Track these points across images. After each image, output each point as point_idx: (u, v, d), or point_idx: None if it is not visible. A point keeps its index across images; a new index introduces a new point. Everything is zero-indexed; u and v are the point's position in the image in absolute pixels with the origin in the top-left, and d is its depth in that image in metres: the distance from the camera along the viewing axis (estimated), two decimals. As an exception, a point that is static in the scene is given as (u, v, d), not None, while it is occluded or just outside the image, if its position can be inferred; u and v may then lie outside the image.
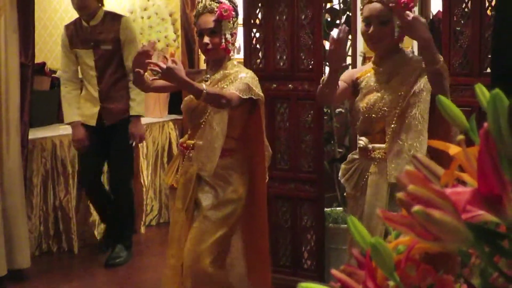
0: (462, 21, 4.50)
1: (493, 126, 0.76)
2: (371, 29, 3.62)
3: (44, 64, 6.99)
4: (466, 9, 4.48)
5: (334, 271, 0.99)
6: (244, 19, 5.29)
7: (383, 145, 3.68)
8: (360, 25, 4.73)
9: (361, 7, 3.72)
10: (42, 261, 6.17)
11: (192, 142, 4.14)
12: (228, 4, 4.09)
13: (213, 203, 4.11)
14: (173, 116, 7.59)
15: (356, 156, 3.81)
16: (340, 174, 3.91)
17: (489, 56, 4.35)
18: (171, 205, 4.52)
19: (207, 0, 4.13)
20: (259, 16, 5.25)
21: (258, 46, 5.26)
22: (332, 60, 3.48)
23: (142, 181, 7.05)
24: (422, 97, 3.60)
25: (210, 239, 4.07)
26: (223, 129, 4.01)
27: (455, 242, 0.75)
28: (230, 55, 4.17)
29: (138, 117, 6.01)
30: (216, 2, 4.09)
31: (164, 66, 3.65)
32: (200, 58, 7.11)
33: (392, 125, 3.66)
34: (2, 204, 5.32)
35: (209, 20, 4.07)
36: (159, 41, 7.41)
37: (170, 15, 7.57)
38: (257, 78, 4.10)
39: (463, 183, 0.92)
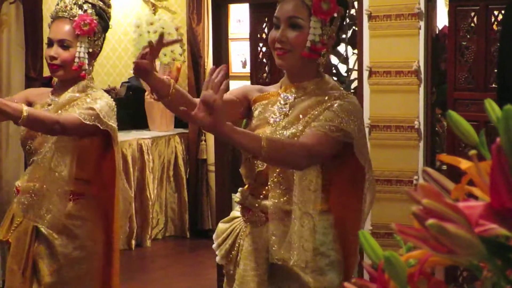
0: (468, 36, 4.51)
1: (505, 142, 0.77)
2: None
3: (51, 78, 7.01)
4: (472, 24, 4.49)
5: (346, 284, 1.00)
6: (250, 33, 5.32)
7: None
8: (367, 39, 4.76)
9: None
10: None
11: (31, 184, 3.32)
12: (92, 16, 3.35)
13: (53, 267, 3.32)
14: (179, 130, 7.62)
15: (237, 213, 2.87)
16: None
17: (495, 70, 4.37)
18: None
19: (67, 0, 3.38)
20: (266, 30, 5.27)
21: (264, 60, 5.27)
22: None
23: (148, 194, 7.06)
24: None
25: None
26: (69, 170, 3.26)
27: (469, 256, 0.76)
28: (86, 77, 3.39)
29: None
30: (79, 7, 3.35)
31: None
32: (207, 72, 7.13)
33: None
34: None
35: (62, 29, 3.32)
36: (165, 55, 7.44)
37: (176, 29, 7.60)
38: (115, 109, 3.36)
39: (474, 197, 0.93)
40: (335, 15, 2.69)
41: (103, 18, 3.41)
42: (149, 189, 7.09)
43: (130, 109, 7.85)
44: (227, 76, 2.36)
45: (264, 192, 2.73)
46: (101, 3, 3.42)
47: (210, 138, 7.10)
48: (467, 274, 4.49)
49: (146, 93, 7.69)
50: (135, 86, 7.95)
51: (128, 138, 7.06)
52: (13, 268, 3.35)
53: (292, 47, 2.65)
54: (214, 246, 2.90)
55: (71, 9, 3.32)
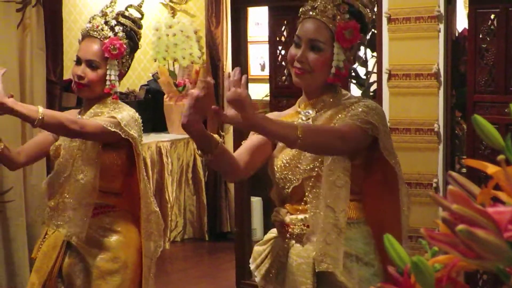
0: (488, 39, 4.49)
1: (533, 146, 0.77)
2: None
3: (70, 81, 7.03)
4: (492, 27, 4.47)
5: (372, 288, 1.00)
6: (269, 37, 5.32)
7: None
8: (386, 42, 4.75)
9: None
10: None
11: (60, 200, 3.30)
12: (122, 39, 3.32)
13: (86, 280, 3.28)
14: (198, 133, 7.63)
15: (273, 234, 2.84)
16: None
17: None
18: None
19: (99, 19, 3.38)
20: (285, 33, 5.27)
21: (283, 63, 5.27)
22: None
23: (167, 197, 7.08)
24: None
25: None
26: (91, 180, 3.22)
27: (497, 261, 0.76)
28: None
29: None
30: (111, 29, 3.33)
31: None
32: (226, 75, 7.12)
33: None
34: (26, 220, 5.35)
35: (92, 49, 3.32)
36: (184, 58, 7.45)
37: (195, 32, 7.62)
38: (139, 122, 3.32)
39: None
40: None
41: (133, 40, 3.39)
42: (168, 192, 7.10)
43: (149, 112, 7.87)
44: (243, 73, 2.39)
45: (300, 207, 2.71)
46: (132, 24, 3.40)
47: (228, 141, 7.10)
48: (487, 278, 4.46)
49: (165, 96, 7.71)
50: (154, 89, 7.97)
51: (147, 141, 7.07)
52: (34, 283, 3.30)
53: (311, 68, 2.70)
54: (252, 268, 2.86)
55: (102, 30, 3.31)
